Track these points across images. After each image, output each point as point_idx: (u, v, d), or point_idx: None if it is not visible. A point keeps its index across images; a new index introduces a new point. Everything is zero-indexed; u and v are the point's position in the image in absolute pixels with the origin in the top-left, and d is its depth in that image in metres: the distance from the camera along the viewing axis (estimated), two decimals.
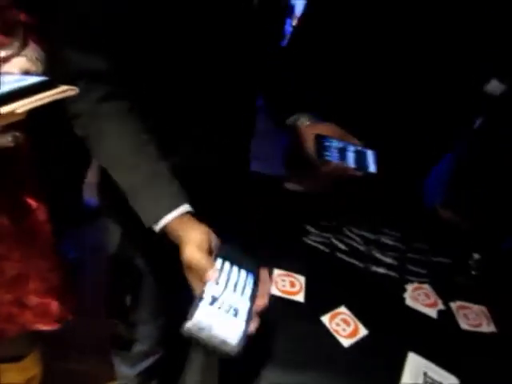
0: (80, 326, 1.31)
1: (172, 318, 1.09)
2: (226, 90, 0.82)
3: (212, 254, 0.63)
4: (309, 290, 0.89)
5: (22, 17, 0.76)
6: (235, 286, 0.60)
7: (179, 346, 1.20)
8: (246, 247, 0.68)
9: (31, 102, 0.53)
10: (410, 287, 0.96)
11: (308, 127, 0.95)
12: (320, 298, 0.88)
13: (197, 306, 0.54)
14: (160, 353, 1.14)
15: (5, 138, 0.63)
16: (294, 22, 1.20)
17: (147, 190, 0.68)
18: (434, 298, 0.95)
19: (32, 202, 0.85)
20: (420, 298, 0.94)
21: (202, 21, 0.70)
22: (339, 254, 1.02)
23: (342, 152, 0.92)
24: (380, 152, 1.12)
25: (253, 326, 0.57)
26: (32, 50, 0.70)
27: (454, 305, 0.94)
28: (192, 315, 0.52)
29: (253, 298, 0.59)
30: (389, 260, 1.03)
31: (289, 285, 0.89)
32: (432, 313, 0.91)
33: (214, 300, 0.55)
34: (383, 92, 1.06)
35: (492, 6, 0.99)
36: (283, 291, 0.87)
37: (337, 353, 0.78)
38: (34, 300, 0.93)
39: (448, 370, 0.78)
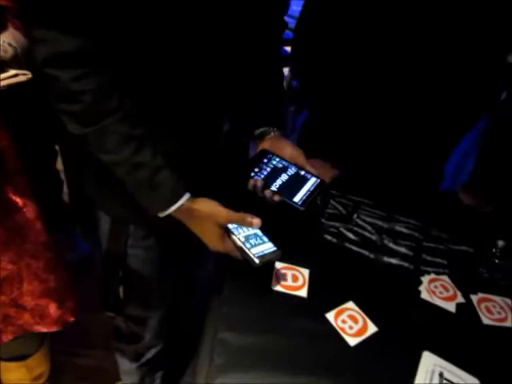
0: (88, 320, 1.30)
1: (171, 309, 1.06)
2: (217, 76, 0.77)
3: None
4: (313, 284, 0.83)
5: (2, 1, 0.72)
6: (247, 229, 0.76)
7: (179, 338, 1.18)
8: None
9: None
10: (426, 279, 0.89)
11: (266, 141, 0.90)
12: (325, 293, 0.81)
13: (246, 252, 0.72)
14: (160, 345, 1.11)
15: None
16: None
17: (150, 186, 0.72)
18: (452, 290, 0.87)
19: (18, 200, 0.82)
20: (437, 291, 0.86)
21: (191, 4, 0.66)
22: (348, 245, 0.95)
23: (276, 172, 0.85)
24: (396, 134, 1.06)
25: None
26: (7, 35, 0.66)
27: (475, 297, 0.86)
28: (253, 256, 0.71)
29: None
30: (403, 250, 0.95)
31: (291, 279, 0.83)
32: (450, 307, 0.83)
33: (247, 239, 0.73)
34: (402, 69, 1.00)
35: None
36: (285, 286, 0.81)
37: (342, 353, 0.72)
38: (30, 301, 0.90)
39: (467, 371, 0.71)
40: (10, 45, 0.67)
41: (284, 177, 0.85)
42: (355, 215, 1.02)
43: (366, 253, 0.93)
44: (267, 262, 0.72)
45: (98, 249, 0.94)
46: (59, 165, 1.71)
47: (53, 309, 0.94)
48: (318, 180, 0.85)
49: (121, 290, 0.92)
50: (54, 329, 0.97)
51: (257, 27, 0.81)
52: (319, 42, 1.11)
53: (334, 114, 1.15)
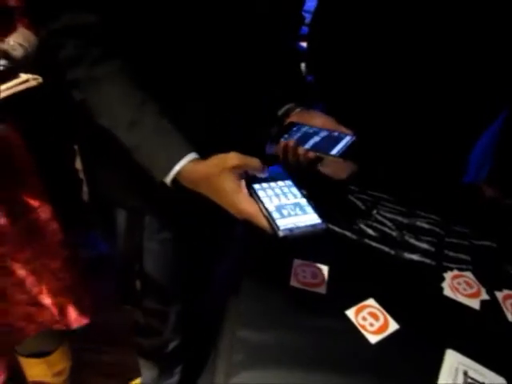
0: (109, 317, 1.31)
1: (188, 303, 1.06)
2: (230, 70, 0.77)
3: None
4: (332, 281, 0.81)
5: (13, 1, 0.73)
6: (284, 194, 0.66)
7: (197, 332, 1.17)
8: None
9: None
10: (448, 275, 0.86)
11: (293, 115, 0.87)
12: (345, 290, 0.80)
13: (273, 218, 0.60)
14: (179, 340, 1.11)
15: None
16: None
17: (153, 144, 0.67)
18: (476, 286, 0.84)
19: (33, 201, 0.82)
20: (460, 288, 0.84)
21: None
22: (368, 241, 0.93)
23: (308, 136, 0.81)
24: (416, 127, 1.04)
25: None
26: (17, 35, 0.67)
27: (500, 294, 0.83)
28: (277, 226, 0.59)
29: (301, 190, 0.67)
30: (424, 246, 0.93)
31: (310, 275, 0.81)
32: (474, 304, 0.81)
33: (279, 208, 0.62)
34: (420, 62, 0.98)
35: None
36: (303, 283, 0.80)
37: (363, 350, 0.71)
38: (49, 300, 0.91)
39: (493, 369, 0.68)
40: (20, 45, 0.67)
41: (317, 139, 0.81)
42: (375, 211, 1.00)
43: (387, 249, 0.91)
44: (299, 236, 0.61)
45: (115, 244, 0.94)
46: (78, 164, 1.73)
47: (71, 307, 0.95)
48: (354, 137, 0.81)
49: (138, 283, 0.93)
50: (72, 327, 0.98)
51: (274, 21, 0.80)
52: (334, 37, 1.09)
53: (350, 109, 1.13)
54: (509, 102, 1.16)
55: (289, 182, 0.68)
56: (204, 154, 0.68)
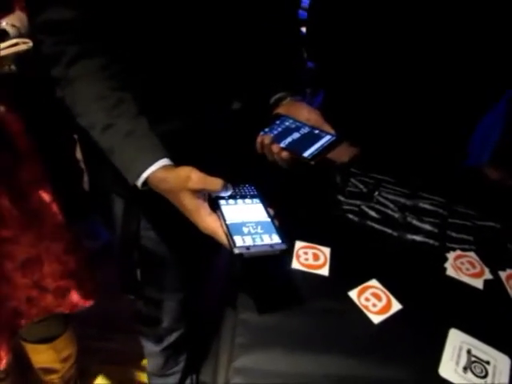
0: (111, 305, 1.32)
1: (189, 292, 1.06)
2: (215, 52, 0.75)
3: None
4: (334, 262, 0.81)
5: None
6: (249, 211, 0.66)
7: (200, 321, 1.18)
8: None
9: None
10: (451, 256, 0.86)
11: (281, 106, 0.85)
12: (347, 271, 0.80)
13: (230, 235, 0.60)
14: (182, 329, 1.12)
15: None
16: None
17: (126, 148, 0.67)
18: (479, 266, 0.84)
19: (33, 184, 0.82)
20: (463, 267, 0.83)
21: None
22: (370, 223, 0.92)
23: (288, 132, 0.79)
24: (417, 108, 1.02)
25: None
26: (12, 17, 0.66)
27: (503, 274, 0.83)
28: (233, 242, 0.59)
29: (267, 209, 0.68)
30: (427, 227, 0.92)
31: (312, 257, 0.81)
32: (478, 283, 0.80)
33: (239, 226, 0.62)
34: (423, 42, 0.97)
35: None
36: (306, 265, 0.80)
37: (366, 330, 0.71)
38: (51, 283, 0.92)
39: (496, 348, 0.68)
40: (13, 26, 0.67)
41: (296, 135, 0.79)
42: (376, 193, 1.00)
43: (389, 231, 0.91)
44: (256, 255, 0.60)
45: (114, 233, 0.94)
46: (79, 154, 1.72)
47: (73, 290, 0.95)
48: (334, 137, 0.78)
49: (138, 272, 0.92)
50: (75, 310, 0.99)
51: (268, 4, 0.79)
52: (332, 22, 1.07)
53: (350, 93, 1.12)
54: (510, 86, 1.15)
55: (256, 200, 0.69)
56: (192, 146, 0.68)
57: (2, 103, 0.62)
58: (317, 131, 0.80)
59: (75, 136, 1.63)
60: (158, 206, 0.84)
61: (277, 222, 0.65)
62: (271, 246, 0.61)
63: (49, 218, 0.85)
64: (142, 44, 0.69)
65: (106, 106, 0.67)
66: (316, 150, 0.76)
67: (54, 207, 0.86)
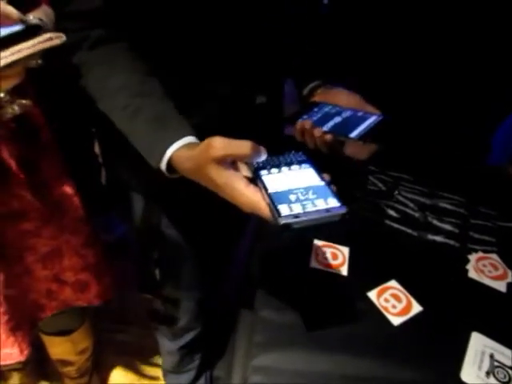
0: (126, 299, 1.33)
1: (209, 292, 1.06)
2: (251, 44, 0.74)
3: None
4: (353, 262, 0.80)
5: None
6: (297, 178, 0.55)
7: (217, 321, 1.18)
8: None
9: (8, 56, 0.48)
10: (473, 257, 0.84)
11: (316, 95, 0.83)
12: (366, 271, 0.79)
13: (274, 204, 0.50)
14: (199, 328, 1.12)
15: (11, 107, 0.60)
16: None
17: (148, 129, 0.62)
18: (502, 268, 0.82)
19: (55, 176, 0.83)
20: (486, 270, 0.82)
21: None
22: (389, 222, 0.91)
23: (329, 117, 0.74)
24: (438, 106, 1.00)
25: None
26: (38, 11, 0.66)
27: None
28: (278, 212, 0.49)
29: (320, 174, 0.56)
30: (448, 227, 0.90)
31: (330, 257, 0.80)
32: (500, 286, 0.79)
33: (285, 193, 0.52)
34: (446, 39, 0.96)
35: None
36: (324, 264, 0.79)
37: (385, 332, 0.70)
38: (71, 276, 0.92)
39: None
40: (40, 20, 0.66)
41: (337, 119, 0.74)
42: (396, 191, 0.98)
43: (409, 230, 0.89)
44: (309, 224, 0.49)
45: (133, 231, 0.94)
46: (97, 148, 1.73)
47: (92, 284, 0.96)
48: (381, 117, 0.72)
49: (157, 272, 0.92)
50: (94, 303, 0.99)
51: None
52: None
53: (370, 88, 1.10)
54: None
55: (306, 165, 0.57)
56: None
57: (30, 97, 0.62)
58: (360, 113, 0.75)
59: (93, 130, 1.64)
60: (178, 203, 0.84)
61: (334, 188, 0.53)
62: (328, 210, 0.49)
63: (70, 210, 0.86)
64: (169, 34, 0.67)
65: (129, 86, 0.64)
66: (363, 130, 0.70)
67: (76, 200, 0.86)
